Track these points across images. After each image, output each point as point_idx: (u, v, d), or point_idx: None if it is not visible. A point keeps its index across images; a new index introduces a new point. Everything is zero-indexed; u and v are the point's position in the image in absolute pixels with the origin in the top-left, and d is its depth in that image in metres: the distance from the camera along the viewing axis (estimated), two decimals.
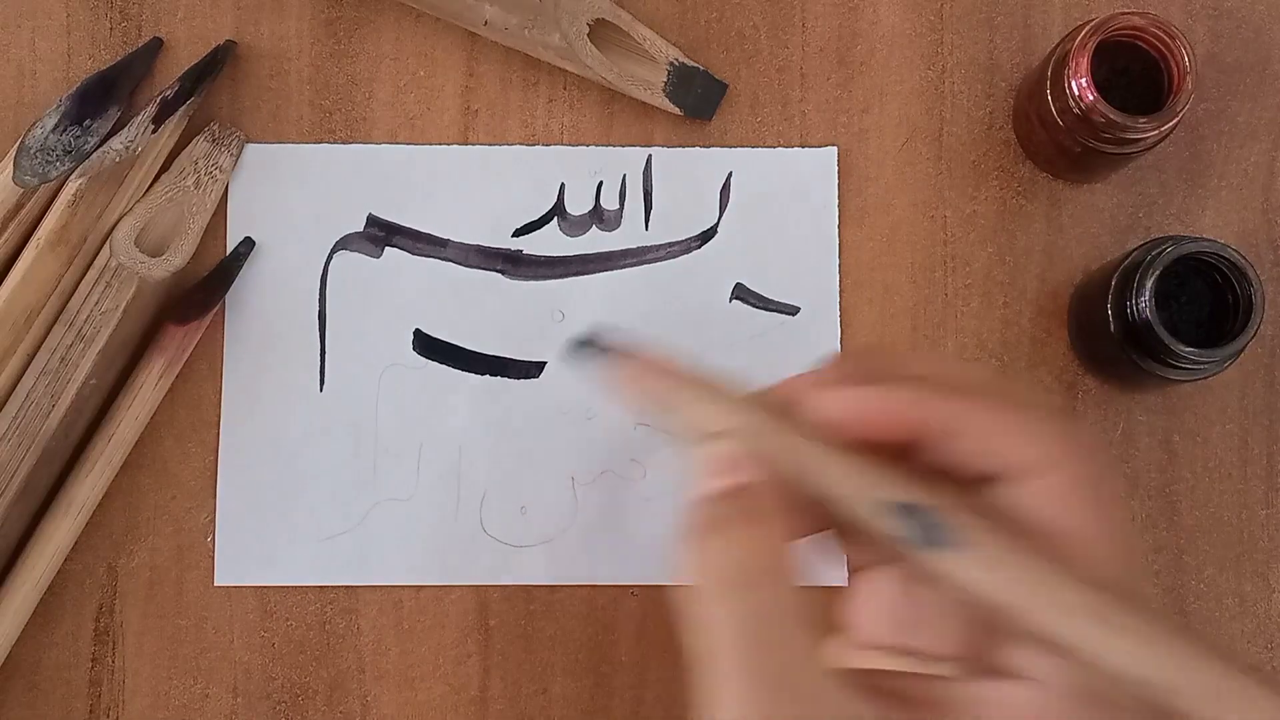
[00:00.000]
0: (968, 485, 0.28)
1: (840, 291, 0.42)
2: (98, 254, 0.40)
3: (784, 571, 0.28)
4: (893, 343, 0.42)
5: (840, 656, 0.30)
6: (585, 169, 0.43)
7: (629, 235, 0.42)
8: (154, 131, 0.41)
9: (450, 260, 0.42)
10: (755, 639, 0.28)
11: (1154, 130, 0.37)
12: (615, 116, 0.43)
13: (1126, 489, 0.42)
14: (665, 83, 0.42)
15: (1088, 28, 0.37)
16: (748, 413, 0.29)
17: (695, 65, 0.42)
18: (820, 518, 0.29)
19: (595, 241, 0.42)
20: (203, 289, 0.41)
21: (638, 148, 0.43)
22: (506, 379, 0.42)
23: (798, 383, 0.30)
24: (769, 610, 0.28)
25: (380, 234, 0.42)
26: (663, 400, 0.31)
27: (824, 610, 0.29)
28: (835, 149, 0.43)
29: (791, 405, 0.29)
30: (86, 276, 0.40)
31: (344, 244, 0.42)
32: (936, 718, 0.27)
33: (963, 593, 0.27)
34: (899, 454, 0.29)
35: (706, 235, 0.42)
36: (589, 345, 0.33)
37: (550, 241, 0.42)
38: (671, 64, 0.42)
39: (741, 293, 0.42)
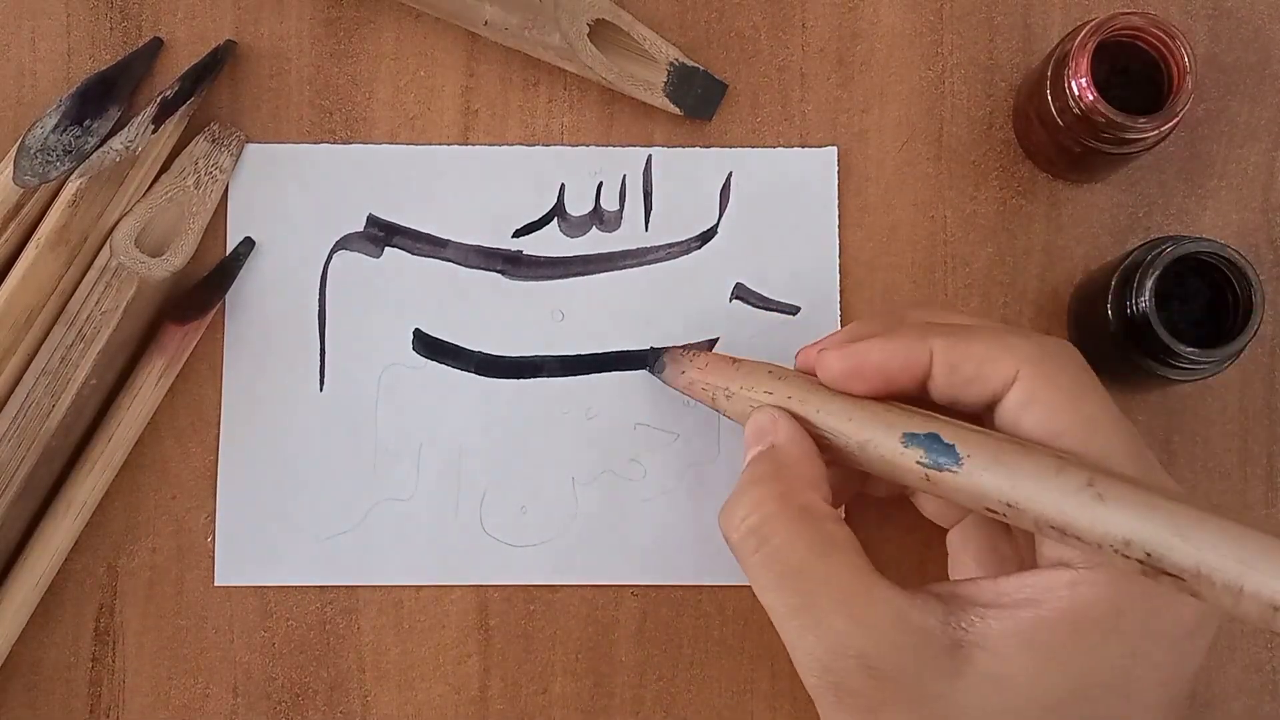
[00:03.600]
0: (978, 418, 0.32)
1: (840, 291, 0.42)
2: (98, 254, 0.40)
3: (802, 512, 0.32)
4: None
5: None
6: (585, 169, 0.43)
7: (629, 236, 0.42)
8: (154, 131, 0.41)
9: (450, 260, 0.42)
10: (786, 578, 0.31)
11: (1154, 130, 0.37)
12: (615, 116, 0.43)
13: None
14: (665, 83, 0.42)
15: (1088, 28, 0.37)
16: (785, 382, 0.34)
17: (695, 65, 0.42)
18: (852, 472, 0.34)
19: (595, 242, 0.42)
20: (203, 289, 0.41)
21: (638, 148, 0.43)
22: (506, 379, 0.42)
23: (816, 347, 0.34)
24: (790, 549, 0.31)
25: (380, 234, 0.42)
26: (723, 390, 0.36)
27: (854, 538, 0.32)
28: (835, 149, 0.43)
29: (811, 370, 0.34)
30: (86, 276, 0.40)
31: (344, 244, 0.42)
32: (992, 608, 0.30)
33: (976, 500, 0.30)
34: (911, 402, 0.33)
35: (706, 235, 0.42)
36: (659, 360, 0.40)
37: (550, 242, 0.42)
38: (671, 64, 0.42)
39: (741, 293, 0.42)
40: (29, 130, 0.40)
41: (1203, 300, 0.39)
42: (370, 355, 0.42)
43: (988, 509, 0.30)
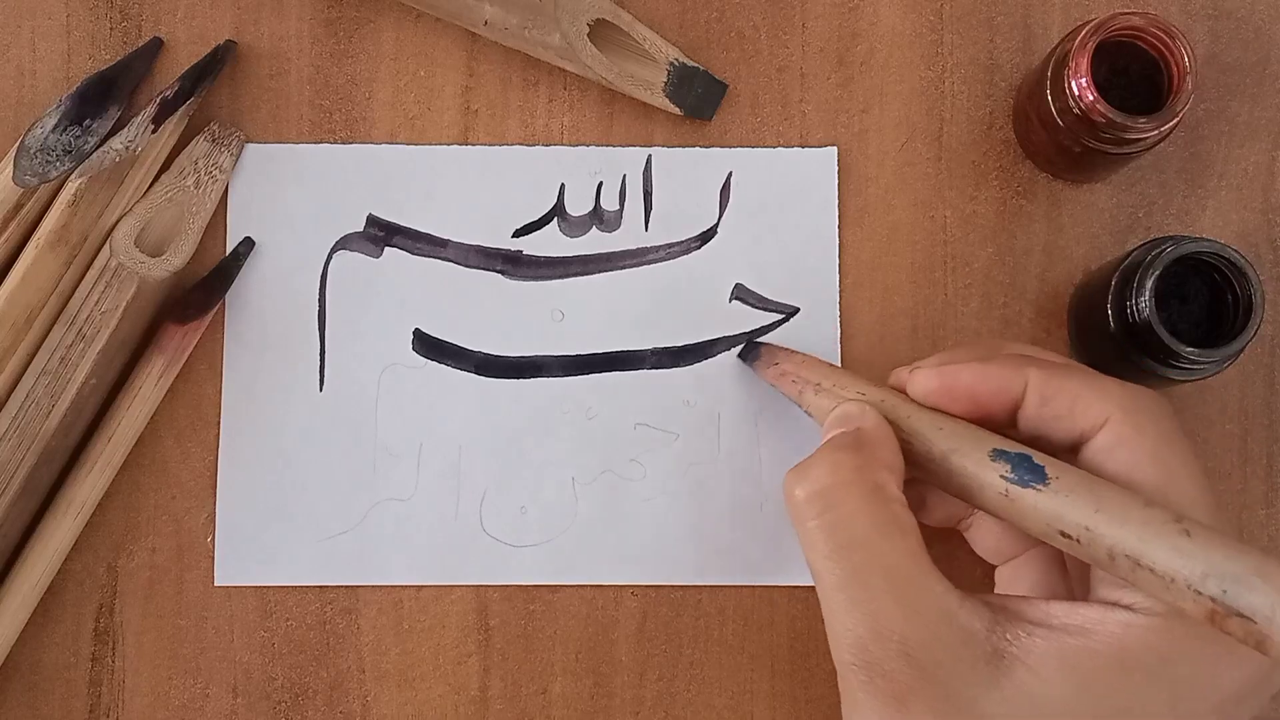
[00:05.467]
0: (1058, 457, 0.32)
1: (840, 291, 0.42)
2: (98, 254, 0.40)
3: (875, 489, 0.32)
4: (893, 343, 0.42)
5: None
6: (585, 169, 0.43)
7: (629, 236, 0.42)
8: (154, 131, 0.41)
9: (450, 260, 0.42)
10: (845, 549, 0.31)
11: (1154, 130, 0.37)
12: (615, 116, 0.43)
13: None
14: (665, 83, 0.42)
15: (1088, 28, 0.37)
16: (877, 389, 0.35)
17: (695, 65, 0.42)
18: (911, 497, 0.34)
19: (595, 242, 0.42)
20: (203, 289, 0.41)
21: (638, 148, 0.43)
22: (506, 379, 0.42)
23: (909, 368, 0.35)
24: (855, 521, 0.31)
25: (380, 234, 0.42)
26: (814, 385, 0.37)
27: (918, 529, 0.32)
28: (835, 149, 0.43)
29: (905, 388, 0.35)
30: (86, 276, 0.40)
31: (344, 244, 0.42)
32: (1041, 627, 0.30)
33: (1053, 522, 0.30)
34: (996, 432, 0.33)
35: (706, 235, 0.42)
36: (754, 348, 0.41)
37: (550, 242, 0.42)
38: (671, 64, 0.42)
39: (741, 293, 0.42)
40: (29, 130, 0.40)
41: (1203, 300, 0.39)
42: (370, 355, 0.42)
43: (1062, 532, 0.30)
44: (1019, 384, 0.32)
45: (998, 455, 0.31)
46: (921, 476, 0.34)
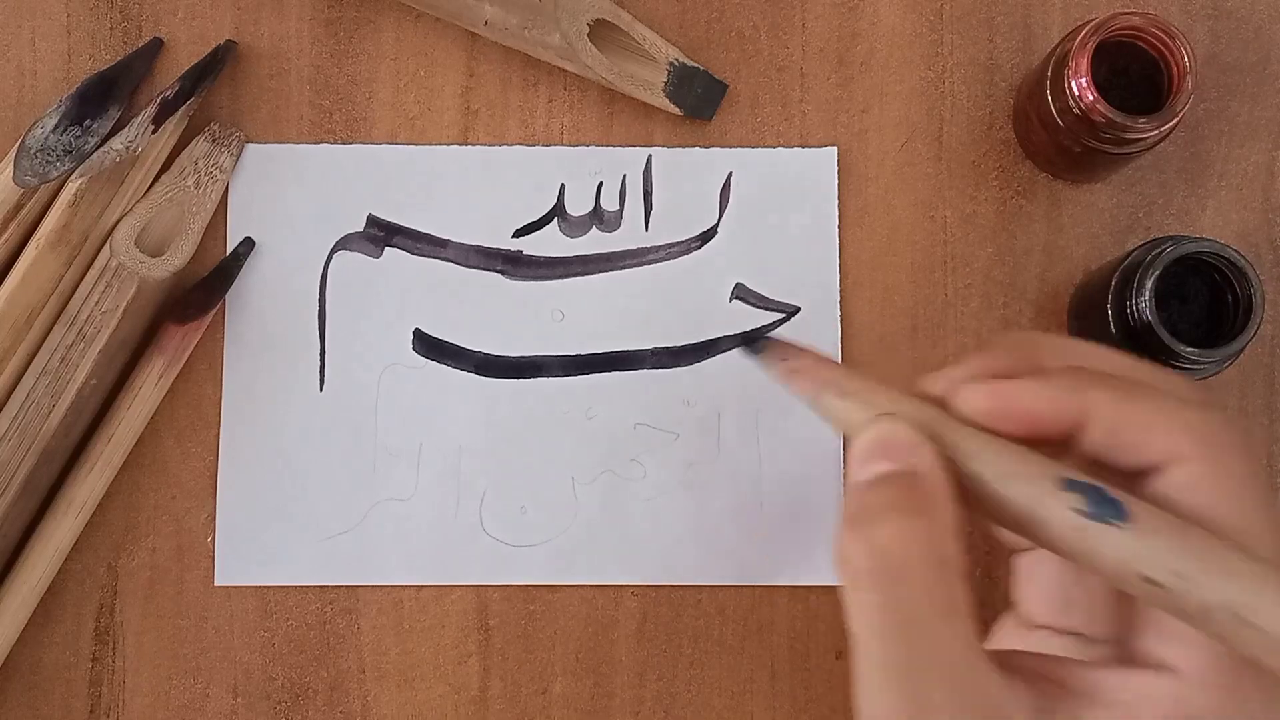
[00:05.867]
0: (1123, 479, 0.29)
1: (840, 291, 0.42)
2: (98, 254, 0.40)
3: (941, 564, 0.29)
4: (893, 343, 0.42)
5: (999, 638, 0.31)
6: (585, 169, 0.43)
7: (629, 236, 0.42)
8: (154, 131, 0.41)
9: (450, 260, 0.42)
10: (903, 630, 0.28)
11: (1154, 130, 0.37)
12: (615, 116, 0.43)
13: None
14: (665, 83, 0.42)
15: (1088, 28, 0.37)
16: (909, 400, 0.30)
17: (695, 65, 0.42)
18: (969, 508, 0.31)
19: (595, 242, 0.42)
20: (203, 289, 0.41)
21: (638, 148, 0.43)
22: (506, 379, 0.42)
23: (946, 377, 0.31)
24: (919, 602, 0.28)
25: (380, 234, 0.42)
26: (834, 387, 0.32)
27: (972, 600, 0.29)
28: (835, 149, 0.43)
29: (944, 400, 0.30)
30: (87, 276, 0.40)
31: (344, 244, 0.42)
32: (1086, 705, 0.28)
33: (1133, 564, 0.27)
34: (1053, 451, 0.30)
35: (706, 235, 0.42)
36: (761, 343, 0.35)
37: (550, 242, 0.42)
38: (671, 64, 0.42)
39: (741, 293, 0.42)
40: (29, 130, 0.40)
41: (1203, 300, 0.39)
42: (370, 355, 0.42)
43: (1145, 577, 0.27)
44: (1080, 407, 0.29)
45: (1070, 486, 0.28)
46: (972, 504, 0.30)
